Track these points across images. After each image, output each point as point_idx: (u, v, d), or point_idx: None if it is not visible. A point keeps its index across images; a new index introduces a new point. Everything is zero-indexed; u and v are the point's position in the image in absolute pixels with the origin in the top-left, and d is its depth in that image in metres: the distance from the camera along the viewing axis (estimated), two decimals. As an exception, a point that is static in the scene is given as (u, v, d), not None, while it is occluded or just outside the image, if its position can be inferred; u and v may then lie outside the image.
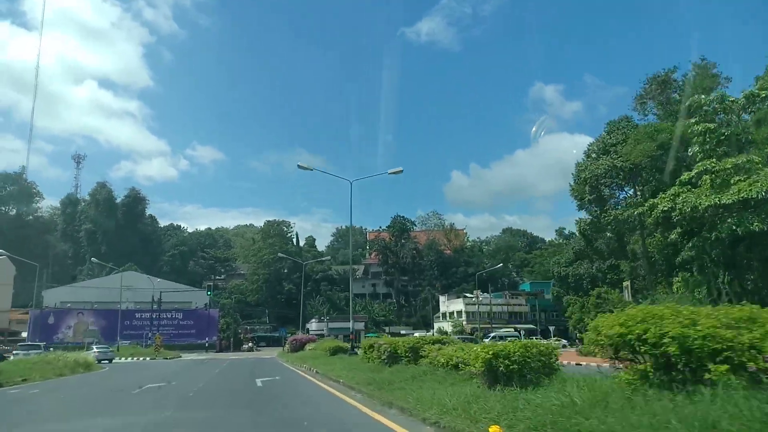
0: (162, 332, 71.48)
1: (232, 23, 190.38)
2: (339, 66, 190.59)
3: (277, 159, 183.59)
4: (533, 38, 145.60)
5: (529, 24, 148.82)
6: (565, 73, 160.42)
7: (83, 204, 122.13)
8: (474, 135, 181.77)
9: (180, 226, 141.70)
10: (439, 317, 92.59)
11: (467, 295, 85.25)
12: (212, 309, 76.40)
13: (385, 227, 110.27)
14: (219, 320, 76.08)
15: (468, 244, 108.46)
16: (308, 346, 44.80)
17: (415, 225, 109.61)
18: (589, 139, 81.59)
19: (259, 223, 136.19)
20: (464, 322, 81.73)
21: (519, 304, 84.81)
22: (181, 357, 54.89)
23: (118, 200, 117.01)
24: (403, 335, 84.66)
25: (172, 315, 74.05)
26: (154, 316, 72.90)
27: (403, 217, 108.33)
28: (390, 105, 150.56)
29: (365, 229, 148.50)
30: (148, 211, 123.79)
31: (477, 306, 79.06)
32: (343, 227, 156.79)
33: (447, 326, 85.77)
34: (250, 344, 76.81)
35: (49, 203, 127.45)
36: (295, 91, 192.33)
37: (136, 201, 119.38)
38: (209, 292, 75.44)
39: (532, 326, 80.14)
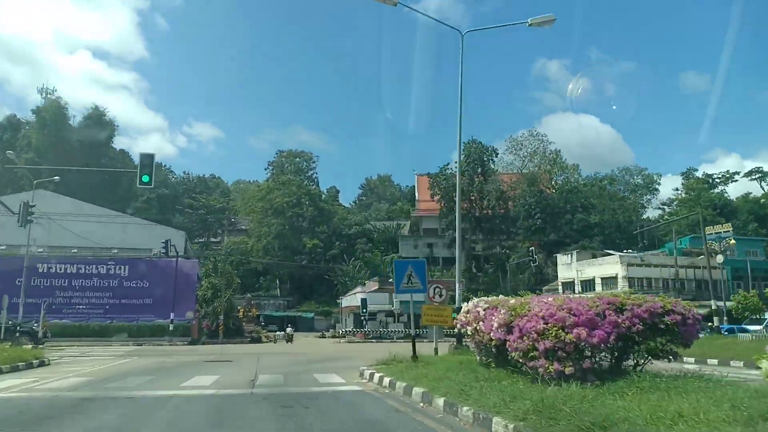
0: (91, 302, 38.03)
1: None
2: (343, 42, 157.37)
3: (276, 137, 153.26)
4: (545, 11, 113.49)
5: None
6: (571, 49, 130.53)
7: (27, 127, 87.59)
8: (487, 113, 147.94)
9: (161, 164, 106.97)
10: (555, 291, 58.18)
11: (626, 252, 51.14)
12: (185, 259, 42.19)
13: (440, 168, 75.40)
14: (200, 281, 42.12)
15: (579, 182, 73.47)
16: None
17: (495, 157, 74.52)
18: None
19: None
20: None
21: (714, 267, 50.20)
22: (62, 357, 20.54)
23: (74, 123, 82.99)
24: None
25: (110, 269, 39.92)
26: (74, 270, 38.86)
27: (480, 143, 73.51)
28: (393, 82, 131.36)
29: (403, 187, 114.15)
30: (118, 144, 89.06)
31: (658, 269, 44.66)
32: (374, 178, 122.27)
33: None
34: (280, 331, 43.64)
35: None
36: (297, 65, 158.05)
37: (99, 125, 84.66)
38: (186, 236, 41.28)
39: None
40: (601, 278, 51.10)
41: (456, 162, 75.57)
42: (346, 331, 42.39)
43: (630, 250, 55.47)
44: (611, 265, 50.17)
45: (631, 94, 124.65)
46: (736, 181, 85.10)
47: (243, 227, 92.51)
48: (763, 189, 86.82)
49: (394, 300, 40.44)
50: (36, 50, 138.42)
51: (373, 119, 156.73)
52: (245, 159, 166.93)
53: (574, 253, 55.94)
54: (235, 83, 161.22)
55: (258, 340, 42.74)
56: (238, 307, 45.66)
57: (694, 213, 73.71)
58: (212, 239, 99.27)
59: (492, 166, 73.83)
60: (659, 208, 75.39)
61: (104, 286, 39.52)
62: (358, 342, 39.69)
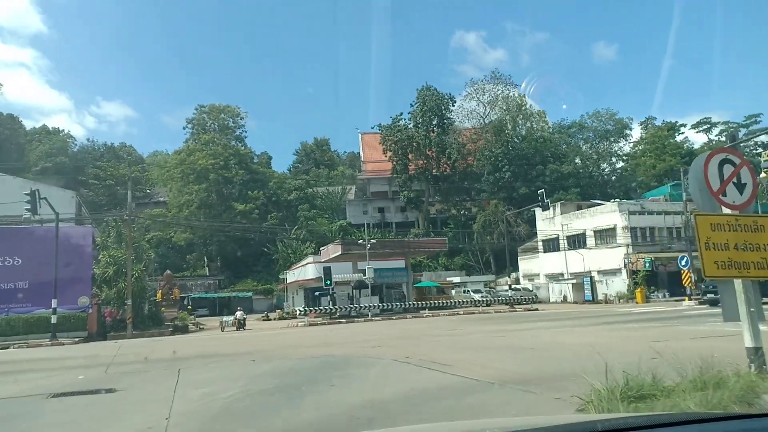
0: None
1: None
2: (260, 13, 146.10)
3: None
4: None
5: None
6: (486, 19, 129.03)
7: None
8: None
9: (60, 129, 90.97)
10: (534, 251, 50.82)
11: (625, 201, 44.05)
12: (76, 226, 30.65)
13: (391, 120, 65.84)
14: (96, 255, 30.75)
15: (549, 130, 65.71)
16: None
17: (453, 106, 65.75)
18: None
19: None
20: (627, 250, 40.34)
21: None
22: None
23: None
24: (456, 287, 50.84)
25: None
26: None
27: (435, 89, 64.49)
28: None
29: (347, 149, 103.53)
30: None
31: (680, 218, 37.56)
32: (310, 143, 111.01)
33: (556, 263, 45.04)
34: (235, 315, 32.18)
35: None
36: (214, 37, 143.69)
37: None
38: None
39: None
40: (594, 231, 43.87)
41: (409, 112, 66.60)
42: (299, 310, 32.74)
43: (616, 200, 48.68)
44: (607, 215, 42.93)
45: (544, 64, 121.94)
46: (682, 133, 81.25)
47: (161, 199, 79.53)
48: (710, 140, 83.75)
49: (366, 268, 30.92)
50: None
51: (297, 91, 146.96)
52: (162, 140, 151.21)
53: (558, 204, 48.45)
54: (147, 59, 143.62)
55: (184, 330, 32.13)
56: (156, 290, 34.80)
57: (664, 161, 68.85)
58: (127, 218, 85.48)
59: (450, 116, 65.14)
60: (621, 159, 69.45)
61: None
62: (324, 324, 30.15)
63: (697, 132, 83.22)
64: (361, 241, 32.64)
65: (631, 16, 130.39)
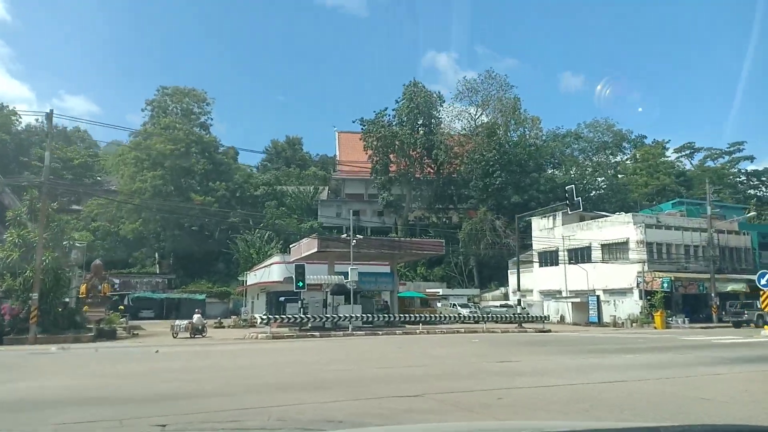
0: None
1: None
2: (235, 21, 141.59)
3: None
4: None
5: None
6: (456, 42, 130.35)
7: None
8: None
9: (3, 105, 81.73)
10: (527, 263, 45.48)
11: (640, 213, 39.25)
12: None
13: (375, 114, 59.97)
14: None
15: (541, 138, 60.75)
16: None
17: (441, 106, 60.47)
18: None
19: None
20: (643, 268, 35.33)
21: (733, 231, 39.43)
22: None
23: None
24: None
25: None
26: None
27: (423, 87, 59.10)
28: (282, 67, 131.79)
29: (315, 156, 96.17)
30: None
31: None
32: (282, 141, 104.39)
33: (554, 278, 40.27)
34: (192, 318, 25.71)
35: None
36: (185, 33, 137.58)
37: None
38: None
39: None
40: (602, 244, 38.76)
41: (393, 109, 60.98)
42: (260, 318, 26.19)
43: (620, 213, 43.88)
44: (618, 227, 37.89)
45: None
46: (668, 157, 78.16)
47: (113, 187, 71.61)
48: (691, 165, 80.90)
49: (350, 269, 24.69)
50: None
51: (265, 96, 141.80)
52: (126, 136, 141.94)
53: (559, 214, 43.33)
54: (115, 54, 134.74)
55: (111, 335, 25.34)
56: (81, 283, 27.90)
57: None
58: (75, 207, 77.14)
59: (438, 115, 59.80)
60: (618, 173, 65.27)
61: None
62: (292, 337, 23.78)
63: (678, 157, 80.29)
64: (344, 236, 26.60)
65: (599, 47, 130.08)
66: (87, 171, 76.33)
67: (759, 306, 31.10)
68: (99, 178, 77.04)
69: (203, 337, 25.67)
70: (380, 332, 24.95)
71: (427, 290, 50.10)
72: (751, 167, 79.82)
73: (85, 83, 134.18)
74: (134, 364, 13.69)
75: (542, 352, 15.26)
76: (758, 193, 77.56)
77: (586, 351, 15.50)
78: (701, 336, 22.22)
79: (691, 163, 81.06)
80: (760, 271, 22.00)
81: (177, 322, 27.31)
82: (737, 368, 11.04)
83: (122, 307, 30.71)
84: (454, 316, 32.77)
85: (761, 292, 21.56)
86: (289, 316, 25.82)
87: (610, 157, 62.46)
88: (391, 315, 28.84)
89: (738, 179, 78.72)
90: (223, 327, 34.14)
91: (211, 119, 69.55)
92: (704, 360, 12.63)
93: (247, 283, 45.82)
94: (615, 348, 16.37)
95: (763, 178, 79.72)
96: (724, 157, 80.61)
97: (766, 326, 21.53)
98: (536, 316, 32.11)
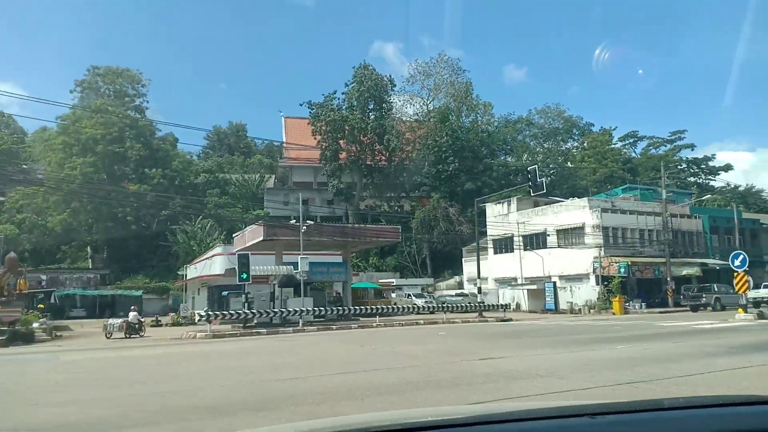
0: None
1: None
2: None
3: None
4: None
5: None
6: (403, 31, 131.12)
7: None
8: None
9: None
10: (482, 253, 44.35)
11: (595, 197, 38.65)
12: None
13: (323, 98, 57.41)
14: None
15: (493, 124, 59.76)
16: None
17: (394, 89, 58.48)
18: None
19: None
20: (599, 255, 34.80)
21: (685, 215, 39.53)
22: None
23: None
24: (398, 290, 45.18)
25: None
26: None
27: (374, 69, 57.00)
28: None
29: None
30: None
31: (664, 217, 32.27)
32: (224, 128, 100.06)
33: (509, 265, 39.38)
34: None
35: None
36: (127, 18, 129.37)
37: None
38: None
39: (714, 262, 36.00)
40: (557, 230, 38.03)
41: (343, 93, 58.64)
42: (199, 315, 23.71)
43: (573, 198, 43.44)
44: (573, 212, 37.22)
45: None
46: (615, 144, 79.50)
47: (40, 176, 66.16)
48: (635, 153, 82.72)
49: (300, 258, 22.52)
50: None
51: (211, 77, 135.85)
52: (54, 121, 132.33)
53: (514, 200, 42.41)
54: (46, 39, 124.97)
55: (28, 339, 22.37)
56: (-7, 280, 24.46)
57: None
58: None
59: (389, 100, 57.85)
60: (568, 159, 65.43)
61: None
62: (235, 335, 21.46)
63: (624, 145, 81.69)
64: (293, 221, 24.34)
65: (542, 40, 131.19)
66: (12, 158, 70.39)
67: (716, 289, 31.03)
68: (25, 167, 71.22)
69: (141, 336, 23.26)
70: (334, 327, 22.95)
71: (381, 280, 48.45)
72: (691, 155, 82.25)
73: (12, 69, 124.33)
74: (24, 377, 11.13)
75: (522, 345, 13.71)
76: (698, 180, 79.96)
77: (568, 342, 14.06)
78: (673, 321, 21.36)
79: (635, 152, 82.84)
80: (734, 252, 21.33)
81: (111, 320, 24.83)
82: (754, 358, 9.70)
83: (42, 306, 27.38)
84: (410, 307, 31.26)
85: (735, 274, 20.87)
86: (232, 312, 23.42)
87: (561, 143, 62.36)
88: (344, 308, 26.88)
89: (680, 167, 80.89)
90: (161, 325, 31.30)
91: (147, 102, 65.11)
92: (708, 350, 11.33)
93: (188, 278, 42.80)
94: (596, 338, 15.02)
95: (703, 166, 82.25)
96: (666, 146, 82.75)
97: (740, 309, 20.86)
98: (495, 305, 30.93)
